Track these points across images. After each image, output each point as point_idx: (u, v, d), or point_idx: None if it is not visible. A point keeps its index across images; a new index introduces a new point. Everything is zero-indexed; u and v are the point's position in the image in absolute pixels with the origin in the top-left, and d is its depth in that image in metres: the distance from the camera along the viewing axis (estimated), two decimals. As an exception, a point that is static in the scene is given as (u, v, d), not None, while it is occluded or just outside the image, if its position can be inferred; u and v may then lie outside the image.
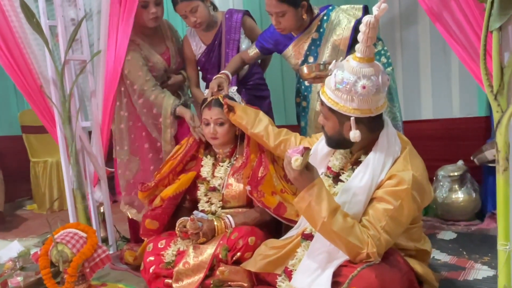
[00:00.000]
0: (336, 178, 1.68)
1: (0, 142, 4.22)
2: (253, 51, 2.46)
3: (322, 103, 1.58)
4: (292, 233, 1.88)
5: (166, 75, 2.62)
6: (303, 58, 2.29)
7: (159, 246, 2.08)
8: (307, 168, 1.48)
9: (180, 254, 2.01)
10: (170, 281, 1.97)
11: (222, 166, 2.21)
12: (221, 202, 2.18)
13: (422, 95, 3.19)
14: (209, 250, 1.97)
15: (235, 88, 2.30)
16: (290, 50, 2.32)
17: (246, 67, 2.65)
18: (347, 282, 1.43)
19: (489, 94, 1.38)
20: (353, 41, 2.16)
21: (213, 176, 2.21)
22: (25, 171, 4.09)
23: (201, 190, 2.20)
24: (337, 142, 1.63)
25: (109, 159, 2.72)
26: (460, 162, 2.85)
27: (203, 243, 2.01)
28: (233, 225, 2.05)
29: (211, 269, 1.95)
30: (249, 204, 2.19)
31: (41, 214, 3.91)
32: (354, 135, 1.51)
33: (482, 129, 3.01)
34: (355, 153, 1.67)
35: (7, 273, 2.18)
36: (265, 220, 2.11)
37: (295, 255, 1.73)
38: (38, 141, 4.13)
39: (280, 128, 2.09)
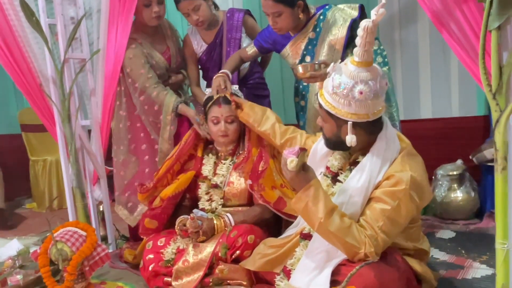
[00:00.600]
0: (334, 178, 1.68)
1: (-1, 141, 4.23)
2: (252, 49, 2.46)
3: (320, 105, 1.58)
4: (291, 231, 1.89)
5: (167, 74, 2.62)
6: (300, 58, 2.29)
7: (159, 244, 2.08)
8: (304, 169, 1.49)
9: (180, 252, 2.02)
10: (169, 279, 1.97)
11: (224, 164, 2.21)
12: (222, 200, 2.18)
13: (421, 94, 3.20)
14: (208, 248, 1.98)
15: (236, 86, 2.32)
16: (287, 50, 2.33)
17: (247, 65, 2.66)
18: (346, 280, 1.43)
19: (487, 94, 1.38)
20: (348, 40, 2.16)
21: (214, 174, 2.21)
22: (25, 169, 4.09)
23: (202, 188, 2.21)
24: (335, 144, 1.64)
25: (109, 158, 2.72)
26: (459, 161, 2.85)
27: (202, 242, 2.01)
28: (233, 224, 2.06)
29: (211, 267, 1.96)
30: (250, 203, 2.20)
31: (40, 213, 3.91)
32: (351, 140, 1.51)
33: (481, 128, 3.02)
34: (353, 154, 1.67)
35: (6, 271, 2.18)
36: (265, 218, 2.12)
37: (293, 254, 1.73)
38: (38, 139, 4.13)
39: (287, 126, 2.09)
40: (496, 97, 1.35)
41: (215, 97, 2.19)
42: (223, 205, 2.19)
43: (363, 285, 1.41)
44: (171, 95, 2.47)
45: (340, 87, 1.47)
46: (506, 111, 1.33)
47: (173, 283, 1.95)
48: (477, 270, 2.03)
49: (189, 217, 2.02)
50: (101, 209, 2.77)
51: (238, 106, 2.13)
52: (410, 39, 3.15)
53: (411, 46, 3.16)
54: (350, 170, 1.62)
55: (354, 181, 1.55)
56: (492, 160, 1.49)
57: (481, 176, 2.81)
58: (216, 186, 2.19)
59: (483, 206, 2.75)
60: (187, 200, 2.29)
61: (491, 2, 1.33)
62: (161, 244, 2.07)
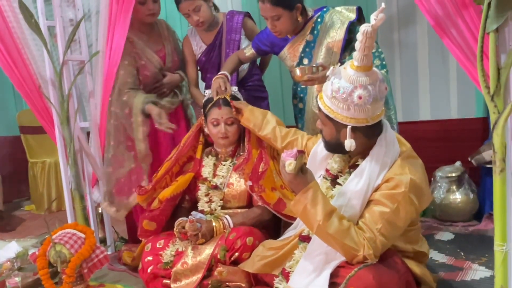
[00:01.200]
0: (334, 181, 1.68)
1: (-2, 143, 4.23)
2: (249, 51, 2.47)
3: (320, 109, 1.57)
4: (290, 233, 1.88)
5: (161, 73, 2.63)
6: (298, 60, 2.29)
7: (158, 246, 2.08)
8: (302, 171, 1.49)
9: (179, 255, 2.01)
10: (168, 281, 1.97)
11: (224, 165, 2.21)
12: (221, 201, 2.18)
13: (420, 96, 3.20)
14: (207, 251, 1.98)
15: (236, 88, 2.32)
16: (285, 52, 2.33)
17: (246, 67, 2.67)
18: (344, 282, 1.43)
19: (486, 96, 1.38)
20: (346, 43, 2.17)
21: (214, 175, 2.21)
22: (23, 171, 4.09)
23: (202, 189, 2.21)
24: (334, 147, 1.63)
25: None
26: (458, 163, 2.86)
27: (201, 244, 2.01)
28: (232, 226, 2.05)
29: (209, 269, 1.95)
30: (249, 205, 2.20)
31: (39, 215, 3.90)
32: (349, 144, 1.50)
33: (479, 130, 3.02)
34: (353, 157, 1.67)
35: (5, 273, 2.18)
36: (264, 220, 2.12)
37: (292, 257, 1.73)
38: (36, 141, 4.13)
39: (288, 128, 2.09)
40: (494, 99, 1.35)
41: (214, 99, 2.20)
42: (223, 207, 2.19)
43: (362, 287, 1.40)
44: (139, 96, 2.48)
45: (339, 91, 1.46)
46: (504, 113, 1.33)
47: (172, 285, 1.94)
48: (476, 272, 2.03)
49: (188, 219, 2.01)
50: (99, 211, 2.77)
51: (239, 111, 2.13)
52: (409, 41, 3.15)
53: (410, 48, 3.16)
54: (350, 173, 1.62)
55: (353, 184, 1.54)
56: (491, 162, 1.49)
57: (480, 178, 2.82)
58: (216, 187, 2.19)
59: (482, 208, 2.75)
60: (186, 202, 2.29)
61: (489, 5, 1.33)
62: (160, 246, 2.07)
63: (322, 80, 2.02)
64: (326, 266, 1.53)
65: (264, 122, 2.09)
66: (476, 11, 1.46)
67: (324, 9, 2.27)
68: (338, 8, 2.26)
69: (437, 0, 1.52)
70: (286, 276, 1.70)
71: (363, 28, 1.39)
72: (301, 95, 2.38)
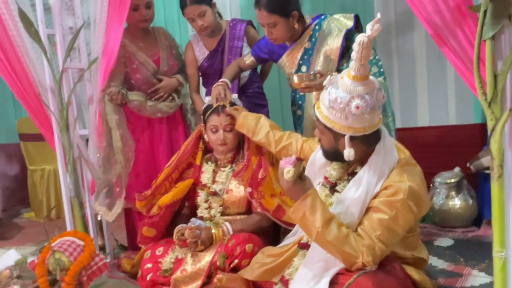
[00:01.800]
0: (332, 188, 1.68)
1: (-2, 150, 4.23)
2: (249, 59, 2.49)
3: (317, 118, 1.57)
4: (289, 240, 1.88)
5: (154, 77, 2.66)
6: (296, 67, 2.31)
7: (157, 253, 2.07)
8: (301, 179, 1.49)
9: (178, 262, 2.01)
10: (167, 288, 1.97)
11: (223, 172, 2.22)
12: (221, 207, 2.18)
13: (419, 102, 3.21)
14: (207, 258, 1.97)
15: (236, 95, 2.33)
16: (284, 60, 2.35)
17: (247, 74, 2.70)
18: (344, 289, 1.43)
19: (483, 102, 1.39)
20: (344, 50, 2.18)
21: (214, 182, 2.21)
22: (23, 179, 4.09)
23: (201, 196, 2.21)
24: (333, 155, 1.63)
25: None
26: (457, 169, 2.86)
27: (201, 251, 2.01)
28: (231, 232, 2.05)
29: (209, 276, 1.95)
30: (248, 211, 2.20)
31: (38, 222, 3.89)
32: (348, 153, 1.50)
33: (478, 136, 3.03)
34: (352, 165, 1.67)
35: (4, 281, 2.17)
36: (263, 226, 2.12)
37: (292, 264, 1.73)
38: (36, 149, 4.12)
39: (282, 132, 2.09)
40: (491, 106, 1.36)
41: (214, 106, 2.21)
42: (222, 213, 2.19)
43: (361, 293, 1.41)
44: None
45: (337, 101, 1.46)
46: (501, 119, 1.34)
47: (171, 293, 1.94)
48: (476, 278, 2.02)
49: (187, 226, 2.01)
50: (99, 218, 2.77)
51: (233, 118, 2.14)
52: (407, 48, 3.17)
53: (407, 54, 3.18)
54: (348, 180, 1.62)
55: (351, 192, 1.54)
56: (489, 168, 1.49)
57: (479, 184, 2.82)
58: (215, 193, 2.19)
59: (481, 214, 2.75)
60: (185, 209, 2.29)
61: (485, 12, 1.34)
62: (159, 254, 2.07)
63: (320, 87, 2.03)
64: (326, 273, 1.53)
65: (258, 127, 2.09)
66: (472, 18, 1.47)
67: (322, 17, 2.28)
68: (336, 16, 2.28)
69: (434, 8, 1.53)
70: (285, 283, 1.70)
71: (359, 38, 1.39)
72: (300, 102, 2.39)
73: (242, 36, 2.67)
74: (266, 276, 1.79)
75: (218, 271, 1.95)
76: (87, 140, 2.67)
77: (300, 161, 1.47)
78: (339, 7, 3.15)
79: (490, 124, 1.38)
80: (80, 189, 2.52)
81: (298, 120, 2.43)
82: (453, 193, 2.76)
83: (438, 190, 2.81)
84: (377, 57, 2.17)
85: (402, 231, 1.52)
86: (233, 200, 2.18)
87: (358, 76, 1.44)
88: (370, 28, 1.38)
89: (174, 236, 2.05)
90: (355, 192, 1.53)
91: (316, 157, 1.77)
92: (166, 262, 2.03)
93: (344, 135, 1.51)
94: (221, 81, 2.33)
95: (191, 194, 2.25)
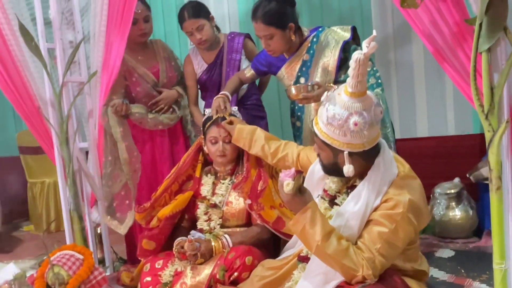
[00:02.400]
0: (332, 201, 1.68)
1: (-2, 163, 4.23)
2: (249, 72, 2.51)
3: (316, 134, 1.57)
4: (289, 252, 1.88)
5: (154, 89, 2.68)
6: (295, 79, 2.32)
7: (157, 266, 2.06)
8: (300, 191, 1.49)
9: (178, 275, 2.00)
10: (167, 302, 1.95)
11: (223, 184, 2.22)
12: (220, 220, 2.18)
13: (418, 113, 3.23)
14: (206, 270, 1.96)
15: (236, 107, 2.34)
16: (283, 72, 2.36)
17: (245, 86, 2.71)
18: (344, 302, 1.43)
19: (480, 114, 1.40)
20: (341, 62, 2.19)
21: (213, 194, 2.21)
22: (22, 192, 4.08)
23: (201, 208, 2.21)
24: (332, 170, 1.63)
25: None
26: (457, 180, 2.86)
27: (200, 264, 2.00)
28: (231, 245, 2.05)
29: (209, 289, 1.94)
30: (248, 223, 2.19)
31: (38, 235, 3.88)
32: (348, 170, 1.50)
33: (477, 146, 3.03)
34: (351, 178, 1.66)
35: (2, 296, 2.16)
36: (263, 239, 2.11)
37: (291, 277, 1.72)
38: (36, 161, 4.12)
39: (278, 143, 2.08)
40: (488, 118, 1.37)
41: (214, 117, 2.21)
42: (222, 225, 2.18)
43: (362, 307, 1.40)
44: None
45: (335, 118, 1.46)
46: (498, 131, 1.34)
47: (171, 306, 1.93)
48: (477, 290, 2.02)
49: (186, 239, 2.01)
50: (98, 231, 2.76)
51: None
52: (405, 59, 3.19)
53: (406, 66, 3.20)
54: (348, 193, 1.61)
55: (351, 205, 1.54)
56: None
57: (479, 194, 2.82)
58: (215, 205, 2.19)
59: (482, 224, 2.74)
60: (185, 221, 2.29)
61: (480, 25, 1.35)
62: (159, 267, 2.06)
63: (317, 98, 2.04)
64: (326, 286, 1.52)
65: (253, 141, 2.09)
66: (468, 31, 1.49)
67: (320, 29, 2.31)
68: (333, 28, 2.30)
69: (430, 20, 1.55)
70: (285, 296, 1.69)
71: (356, 56, 1.39)
72: (299, 113, 2.40)
73: (240, 49, 2.70)
74: (266, 289, 1.78)
75: (217, 284, 1.93)
76: (87, 153, 2.67)
77: (299, 174, 1.47)
78: (337, 20, 3.19)
79: (487, 136, 1.38)
80: (79, 202, 2.51)
81: (297, 131, 2.44)
82: (453, 203, 2.76)
83: (438, 201, 2.80)
84: (374, 68, 2.18)
85: (402, 244, 1.51)
86: (232, 212, 2.18)
87: (355, 92, 1.44)
88: (366, 45, 1.38)
89: (173, 249, 2.04)
90: (354, 205, 1.53)
91: (315, 170, 1.77)
92: (166, 275, 2.02)
93: (343, 151, 1.50)
94: (221, 94, 2.34)
95: (190, 206, 2.25)
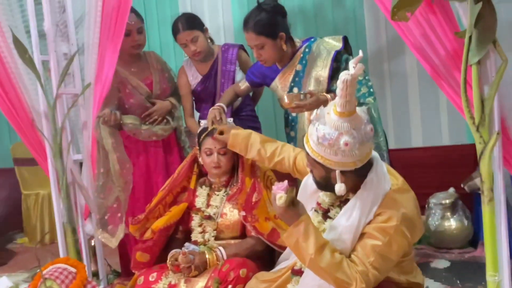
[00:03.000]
0: (325, 214, 1.67)
1: (-9, 175, 4.21)
2: (244, 84, 2.54)
3: (307, 153, 1.55)
4: (283, 264, 1.87)
5: (149, 101, 2.68)
6: (288, 90, 2.34)
7: (150, 279, 2.04)
8: (293, 204, 1.48)
9: (172, 288, 1.99)
10: (161, 316, 1.93)
11: (218, 195, 2.21)
12: (215, 231, 2.17)
13: (412, 123, 3.24)
14: (200, 283, 1.95)
15: (231, 119, 2.35)
16: (276, 83, 2.39)
17: (240, 98, 2.71)
18: (338, 315, 1.42)
19: (471, 126, 1.40)
20: (333, 71, 2.22)
21: (208, 205, 2.21)
22: (17, 204, 4.05)
23: (196, 220, 2.20)
24: (325, 187, 1.62)
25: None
26: (451, 190, 2.87)
27: (195, 276, 1.99)
28: (225, 257, 2.04)
29: (203, 302, 1.92)
30: (242, 235, 2.18)
31: (32, 248, 3.85)
32: (339, 188, 1.49)
33: (471, 156, 2.99)
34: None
35: (-6, 310, 2.14)
36: (257, 251, 2.10)
37: (285, 291, 1.71)
38: (30, 173, 4.11)
39: (274, 147, 2.05)
40: (479, 130, 1.37)
41: (209, 129, 2.22)
42: (216, 237, 2.17)
43: (356, 320, 1.39)
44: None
45: (325, 137, 1.45)
46: (489, 143, 1.35)
47: (165, 320, 1.91)
48: (472, 301, 2.02)
49: (181, 251, 2.00)
50: (92, 243, 2.74)
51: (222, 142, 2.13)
52: (399, 70, 3.22)
53: (400, 76, 3.22)
54: (341, 207, 1.61)
55: (344, 219, 1.53)
56: (482, 190, 1.49)
57: (473, 204, 2.82)
58: (209, 217, 2.18)
59: (477, 234, 2.74)
60: (179, 233, 2.27)
61: (470, 38, 1.36)
62: (153, 280, 2.04)
63: (310, 107, 2.07)
64: (319, 299, 1.51)
65: (249, 145, 2.07)
66: (459, 43, 1.50)
67: (312, 40, 2.34)
68: (325, 38, 2.34)
69: (421, 33, 1.56)
70: (279, 310, 1.68)
71: (343, 77, 1.38)
72: (293, 123, 2.42)
73: (235, 60, 2.72)
74: (260, 302, 1.77)
75: (212, 297, 1.92)
76: (81, 164, 2.67)
77: (292, 186, 1.47)
78: (331, 31, 3.21)
79: (478, 148, 1.39)
80: (73, 214, 2.50)
81: (292, 141, 2.45)
82: (448, 213, 2.76)
83: (433, 211, 2.81)
84: (367, 77, 2.21)
85: (395, 257, 1.50)
86: (227, 224, 2.17)
87: (345, 112, 1.43)
88: (353, 66, 1.37)
89: (167, 261, 2.03)
90: (347, 219, 1.52)
91: (308, 182, 1.76)
92: (160, 288, 2.00)
93: (335, 170, 1.50)
94: (217, 105, 2.35)
95: (185, 218, 2.24)
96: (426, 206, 2.84)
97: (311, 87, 2.25)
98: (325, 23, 3.29)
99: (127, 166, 2.61)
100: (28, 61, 2.29)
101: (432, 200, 2.82)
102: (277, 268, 1.90)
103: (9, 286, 2.46)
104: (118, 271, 2.78)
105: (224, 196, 2.21)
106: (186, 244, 2.13)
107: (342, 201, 1.64)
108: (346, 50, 2.28)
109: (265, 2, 2.27)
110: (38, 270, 1.90)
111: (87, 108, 2.52)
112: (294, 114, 2.37)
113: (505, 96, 1.47)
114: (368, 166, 1.55)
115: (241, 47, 2.80)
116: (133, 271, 2.22)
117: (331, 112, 1.46)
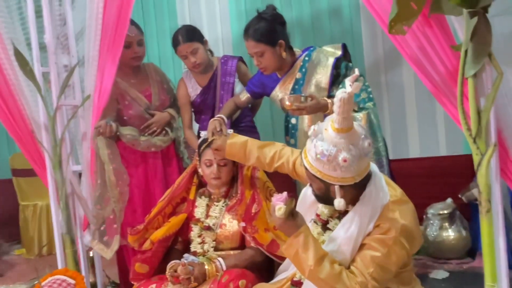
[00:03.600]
0: (324, 225, 1.68)
1: (-10, 186, 4.20)
2: (244, 95, 2.57)
3: (306, 168, 1.56)
4: (282, 275, 1.87)
5: (147, 112, 2.70)
6: None
7: (149, 291, 2.04)
8: (292, 215, 1.49)
9: (170, 299, 1.98)
10: (160, 327, 1.93)
11: (217, 206, 2.22)
12: (214, 242, 2.17)
13: (409, 134, 3.26)
14: (199, 295, 1.95)
15: (231, 130, 2.36)
16: (277, 91, 2.41)
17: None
18: (337, 327, 1.42)
19: (468, 138, 1.42)
20: (334, 78, 2.26)
21: (207, 216, 2.21)
22: (14, 215, 4.04)
23: (195, 230, 2.19)
24: (324, 199, 1.63)
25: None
26: (449, 200, 2.87)
27: (194, 288, 1.99)
28: (224, 268, 2.03)
29: (202, 314, 1.92)
30: (242, 246, 2.18)
31: (29, 259, 3.83)
32: (339, 203, 1.49)
33: (469, 166, 3.01)
34: None
35: (-8, 323, 2.13)
36: (257, 261, 2.10)
37: (285, 302, 1.71)
38: (28, 184, 4.09)
39: (272, 152, 2.03)
40: (476, 141, 1.39)
41: (209, 140, 2.22)
42: (215, 248, 2.17)
43: (355, 331, 1.39)
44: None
45: (324, 153, 1.45)
46: (486, 154, 1.36)
47: (164, 332, 1.90)
48: (471, 311, 2.02)
49: (180, 262, 1.99)
50: (91, 255, 2.73)
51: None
52: (396, 81, 3.24)
53: (397, 88, 3.25)
54: (340, 218, 1.61)
55: (343, 231, 1.54)
56: (479, 201, 1.50)
57: (471, 214, 2.83)
58: (208, 228, 2.18)
59: (476, 244, 2.74)
60: (179, 244, 2.27)
61: (466, 51, 1.39)
62: (152, 291, 2.04)
63: (310, 110, 2.10)
64: (319, 311, 1.51)
65: (247, 153, 2.06)
66: (455, 56, 1.52)
67: (311, 48, 2.38)
68: (325, 47, 2.38)
69: (418, 46, 1.59)
70: (279, 321, 1.68)
71: (340, 95, 1.39)
72: (293, 131, 2.45)
73: (234, 71, 2.74)
74: (259, 313, 1.77)
75: (211, 308, 1.92)
76: (80, 174, 2.67)
77: (291, 198, 1.48)
78: (328, 42, 3.20)
79: (475, 159, 1.40)
80: (72, 225, 2.50)
81: (292, 149, 2.47)
82: (446, 224, 2.77)
83: (431, 222, 2.81)
84: (366, 84, 2.24)
85: (395, 268, 1.51)
86: (226, 235, 2.17)
87: (343, 128, 1.44)
88: (349, 84, 1.39)
89: (167, 272, 2.02)
90: (346, 231, 1.53)
91: (307, 193, 1.77)
92: (158, 300, 2.00)
93: (334, 185, 1.50)
94: (217, 116, 2.37)
95: (184, 229, 2.24)
96: (423, 216, 2.85)
97: (312, 93, 2.28)
98: (323, 35, 3.33)
99: (123, 177, 2.60)
100: (29, 73, 2.31)
101: (430, 211, 2.83)
102: (276, 279, 1.90)
103: (6, 298, 2.45)
104: (116, 282, 2.76)
105: (223, 206, 2.21)
106: (186, 255, 2.13)
107: (341, 213, 1.64)
108: (345, 57, 2.33)
109: (264, 11, 2.32)
110: (37, 282, 1.89)
111: (87, 120, 2.53)
112: (294, 121, 2.40)
113: (501, 108, 1.50)
114: (366, 178, 1.56)
115: (240, 59, 2.82)
116: (132, 282, 2.22)
117: (329, 128, 1.47)
